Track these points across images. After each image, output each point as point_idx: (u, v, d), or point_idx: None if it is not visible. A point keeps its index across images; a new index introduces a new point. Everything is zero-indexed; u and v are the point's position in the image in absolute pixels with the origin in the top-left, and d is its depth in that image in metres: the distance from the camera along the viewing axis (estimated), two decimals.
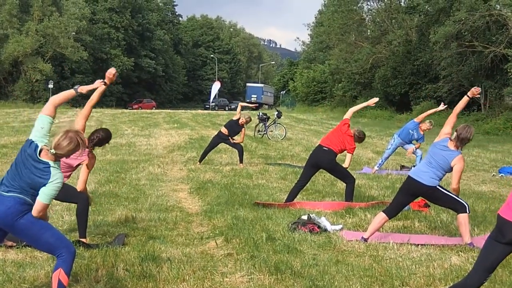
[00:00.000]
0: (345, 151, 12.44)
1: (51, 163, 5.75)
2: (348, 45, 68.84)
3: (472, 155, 23.98)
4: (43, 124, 6.00)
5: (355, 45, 68.30)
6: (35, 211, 5.72)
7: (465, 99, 9.78)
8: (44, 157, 5.75)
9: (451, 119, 9.52)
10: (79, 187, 8.57)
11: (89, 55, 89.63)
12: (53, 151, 5.74)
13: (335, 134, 12.38)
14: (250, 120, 19.43)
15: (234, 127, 18.77)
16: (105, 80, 7.13)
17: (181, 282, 6.95)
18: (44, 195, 5.70)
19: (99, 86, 6.79)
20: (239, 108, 19.47)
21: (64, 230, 9.23)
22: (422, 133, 17.85)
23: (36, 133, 5.93)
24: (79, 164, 8.69)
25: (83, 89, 6.48)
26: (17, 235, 5.94)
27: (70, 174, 8.88)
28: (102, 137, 8.69)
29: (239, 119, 18.70)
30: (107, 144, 9.00)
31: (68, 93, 6.43)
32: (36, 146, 5.80)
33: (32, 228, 5.75)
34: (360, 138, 12.57)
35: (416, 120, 18.10)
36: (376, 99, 13.14)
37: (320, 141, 12.62)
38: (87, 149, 8.25)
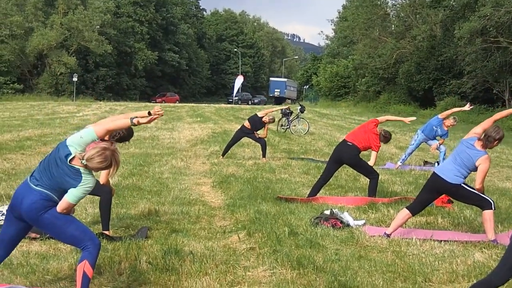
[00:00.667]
0: (370, 149, 12.38)
1: (82, 169, 5.78)
2: (372, 40, 68.60)
3: (496, 152, 23.81)
4: (85, 136, 5.93)
5: (379, 40, 68.04)
6: (59, 208, 5.76)
7: (509, 111, 9.71)
8: (75, 163, 5.77)
9: (487, 123, 9.35)
10: (102, 180, 8.60)
11: (113, 48, 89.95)
12: (84, 161, 5.76)
13: (361, 130, 12.34)
14: (274, 121, 19.46)
15: (257, 123, 18.74)
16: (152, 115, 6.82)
17: (204, 275, 6.96)
18: (72, 195, 5.73)
19: (149, 120, 6.59)
20: (269, 110, 19.49)
21: (87, 223, 9.28)
22: (446, 129, 17.73)
23: (74, 139, 5.89)
24: None
25: (139, 121, 6.31)
26: (41, 228, 5.99)
27: None
28: (123, 135, 8.65)
29: (263, 116, 18.68)
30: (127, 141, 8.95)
31: (123, 122, 6.22)
32: (69, 153, 5.80)
33: (56, 222, 5.79)
34: (386, 138, 12.51)
35: (440, 116, 17.96)
36: (413, 118, 13.20)
37: (345, 136, 12.58)
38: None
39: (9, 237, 6.00)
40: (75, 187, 5.72)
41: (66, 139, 5.93)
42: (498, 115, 9.65)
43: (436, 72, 54.98)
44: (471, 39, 44.84)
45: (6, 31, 78.33)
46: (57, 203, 5.81)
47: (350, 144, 12.10)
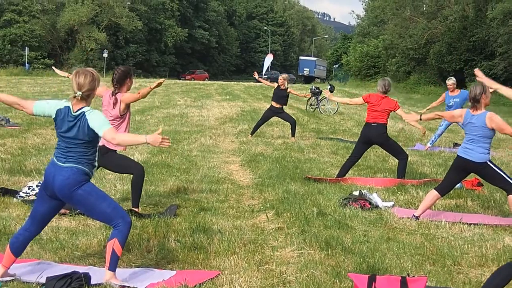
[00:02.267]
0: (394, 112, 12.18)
1: (84, 109, 5.89)
2: (403, 20, 68.15)
3: None
4: (44, 103, 6.09)
5: (410, 20, 67.58)
6: (110, 140, 5.85)
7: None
8: (76, 106, 5.88)
9: (444, 114, 9.54)
10: (130, 98, 8.74)
11: (143, 25, 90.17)
12: (79, 93, 5.83)
13: (373, 109, 12.08)
14: (288, 77, 19.28)
15: (280, 93, 18.56)
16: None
17: (232, 254, 6.97)
18: (99, 125, 5.83)
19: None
20: (267, 82, 19.54)
21: (117, 199, 9.32)
22: (457, 92, 17.39)
23: (53, 106, 6.01)
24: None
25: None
26: (74, 205, 6.01)
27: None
28: (121, 72, 8.83)
29: (278, 85, 18.60)
30: (129, 81, 8.96)
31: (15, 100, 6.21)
32: (67, 107, 5.91)
33: (89, 199, 5.81)
34: (387, 88, 12.23)
35: (443, 96, 17.83)
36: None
37: (366, 120, 12.39)
38: (117, 94, 8.68)
39: (41, 214, 6.02)
40: (89, 125, 5.81)
41: (54, 118, 6.02)
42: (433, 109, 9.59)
43: (468, 53, 54.45)
44: (504, 20, 44.40)
45: (38, 6, 78.94)
46: (90, 176, 5.90)
47: (374, 124, 12.00)
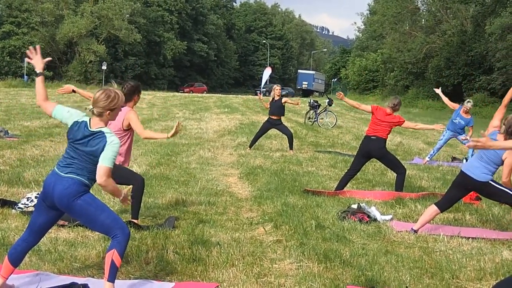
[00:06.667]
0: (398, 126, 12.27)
1: (104, 129, 5.86)
2: (402, 34, 68.46)
3: None
4: (64, 110, 6.18)
5: (409, 35, 67.85)
6: (98, 177, 5.72)
7: None
8: (95, 123, 5.91)
9: (500, 111, 9.30)
10: (138, 131, 8.99)
11: (142, 37, 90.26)
12: (90, 107, 5.91)
13: (376, 123, 12.14)
14: (275, 86, 19.39)
15: (276, 104, 18.72)
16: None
17: (230, 267, 6.97)
18: (105, 158, 5.72)
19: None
20: (266, 104, 19.57)
21: (115, 211, 9.30)
22: (467, 116, 17.64)
23: (72, 117, 6.07)
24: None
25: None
26: (73, 215, 6.00)
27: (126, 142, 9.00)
28: (130, 86, 8.95)
29: (273, 98, 18.71)
30: (137, 97, 9.16)
31: (39, 81, 6.54)
32: (84, 122, 5.93)
33: (88, 209, 5.80)
34: (397, 105, 12.27)
35: (456, 107, 17.97)
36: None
37: (366, 132, 12.44)
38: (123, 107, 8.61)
39: (39, 224, 6.02)
40: (103, 151, 5.77)
41: (70, 126, 6.08)
42: (506, 98, 9.48)
43: (466, 68, 54.62)
44: (502, 35, 44.59)
45: (37, 18, 79.06)
46: (89, 187, 5.88)
47: (374, 137, 12.04)
